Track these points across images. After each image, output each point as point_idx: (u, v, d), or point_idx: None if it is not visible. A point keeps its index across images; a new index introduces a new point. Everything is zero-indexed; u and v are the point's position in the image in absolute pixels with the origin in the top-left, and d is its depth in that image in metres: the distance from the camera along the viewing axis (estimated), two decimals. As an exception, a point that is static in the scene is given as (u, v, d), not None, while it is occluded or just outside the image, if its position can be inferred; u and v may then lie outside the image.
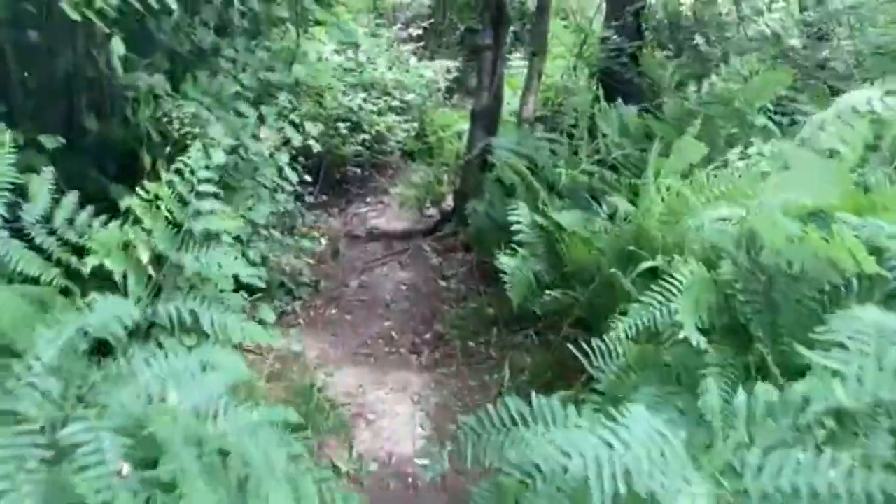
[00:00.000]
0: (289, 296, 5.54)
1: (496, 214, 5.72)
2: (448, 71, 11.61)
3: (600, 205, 4.69)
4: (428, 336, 4.94)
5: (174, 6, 2.69)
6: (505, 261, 4.22)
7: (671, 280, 2.65)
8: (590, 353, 2.87)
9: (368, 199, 8.72)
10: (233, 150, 3.48)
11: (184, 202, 3.04)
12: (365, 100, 9.21)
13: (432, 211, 7.40)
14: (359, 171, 8.63)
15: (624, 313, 2.88)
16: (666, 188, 3.61)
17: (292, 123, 4.46)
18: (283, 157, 4.07)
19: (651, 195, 3.65)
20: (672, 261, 3.05)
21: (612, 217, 4.38)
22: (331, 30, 8.09)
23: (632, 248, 3.65)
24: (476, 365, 4.38)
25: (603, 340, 2.88)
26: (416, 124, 10.04)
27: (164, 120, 2.98)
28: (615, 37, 6.26)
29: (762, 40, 5.92)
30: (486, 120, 6.67)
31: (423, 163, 10.26)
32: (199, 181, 3.04)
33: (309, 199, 8.07)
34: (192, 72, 3.62)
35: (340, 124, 8.50)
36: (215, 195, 3.14)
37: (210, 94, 3.36)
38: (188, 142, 3.11)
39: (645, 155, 5.03)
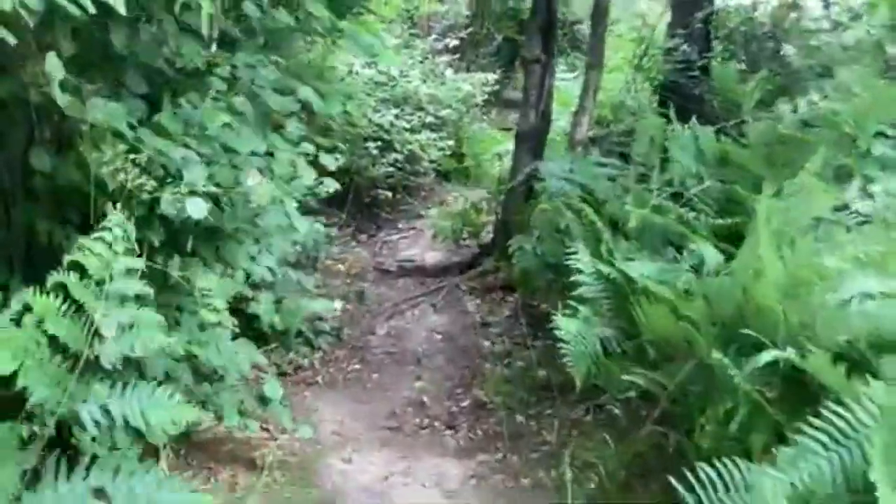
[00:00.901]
0: (307, 346, 4.75)
1: (546, 253, 4.88)
2: (485, 84, 10.80)
3: (679, 251, 3.82)
4: (466, 403, 4.10)
5: (122, 9, 1.92)
6: (564, 325, 3.35)
7: (838, 410, 1.77)
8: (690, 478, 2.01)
9: (400, 225, 7.92)
10: (216, 201, 2.70)
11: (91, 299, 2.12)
12: (397, 116, 8.45)
13: (469, 241, 6.55)
14: (390, 194, 7.84)
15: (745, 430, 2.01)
16: (787, 245, 2.72)
17: (306, 154, 3.67)
18: (290, 204, 3.26)
19: (762, 252, 2.77)
20: (806, 354, 2.18)
21: (696, 269, 3.50)
22: (347, 42, 7.36)
23: (736, 321, 2.78)
24: (527, 452, 3.53)
25: (713, 465, 2.03)
26: (451, 142, 9.24)
27: (121, 164, 2.21)
28: (684, 46, 5.37)
29: (858, 49, 4.98)
30: (533, 141, 5.83)
31: (459, 183, 9.47)
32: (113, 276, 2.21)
33: (335, 225, 7.34)
34: (180, 96, 2.86)
35: (370, 144, 7.73)
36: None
37: (193, 124, 2.59)
38: (149, 192, 2.33)
39: (730, 189, 4.15)
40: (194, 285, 2.87)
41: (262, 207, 3.01)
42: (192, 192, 2.40)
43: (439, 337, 4.91)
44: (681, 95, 5.52)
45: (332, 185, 4.12)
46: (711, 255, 3.50)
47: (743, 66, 5.59)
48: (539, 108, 5.82)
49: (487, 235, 6.40)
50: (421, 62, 9.69)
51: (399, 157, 8.09)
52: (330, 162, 3.55)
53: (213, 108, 2.68)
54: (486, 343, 4.79)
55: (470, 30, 11.90)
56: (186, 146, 2.50)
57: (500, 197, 6.46)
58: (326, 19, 3.34)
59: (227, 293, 3.04)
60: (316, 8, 3.02)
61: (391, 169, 7.91)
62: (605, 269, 3.68)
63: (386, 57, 3.92)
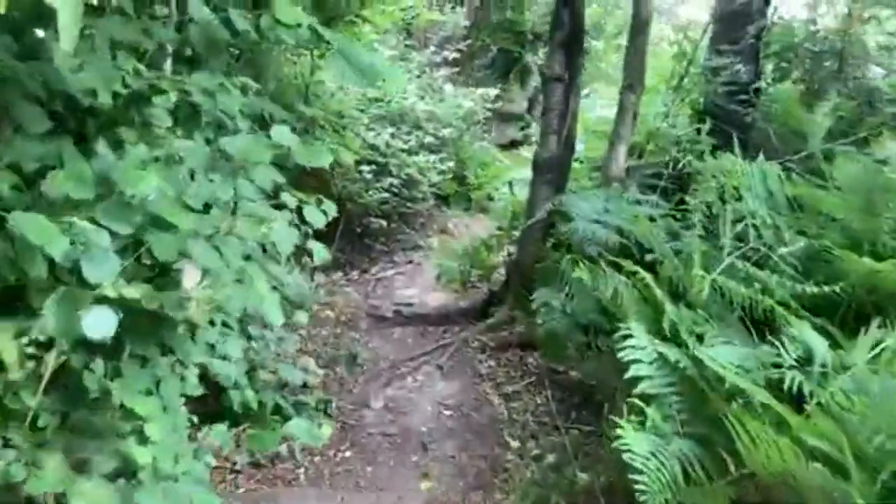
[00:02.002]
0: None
1: (577, 312, 4.00)
2: (485, 99, 9.94)
3: (761, 329, 2.95)
4: (488, 516, 3.20)
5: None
6: (632, 442, 2.45)
7: None
8: None
9: (396, 258, 7.02)
10: (128, 313, 1.77)
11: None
12: (393, 136, 7.56)
13: (478, 282, 5.65)
14: (384, 222, 6.93)
15: None
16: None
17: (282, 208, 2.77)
18: (262, 294, 2.32)
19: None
20: None
21: (801, 363, 2.62)
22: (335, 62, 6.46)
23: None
24: None
25: None
26: (451, 163, 8.35)
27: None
28: (738, 66, 4.52)
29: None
30: (554, 172, 4.95)
31: (461, 208, 8.59)
32: None
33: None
34: (101, 135, 1.96)
35: (364, 167, 6.82)
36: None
37: (111, 181, 1.69)
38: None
39: (816, 246, 3.27)
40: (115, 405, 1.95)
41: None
42: (98, 299, 1.49)
43: (448, 412, 4.00)
44: (729, 122, 4.67)
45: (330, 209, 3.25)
46: (819, 344, 2.62)
47: (801, 88, 4.74)
48: (561, 134, 4.95)
49: (498, 276, 5.50)
50: (418, 76, 8.82)
51: (395, 181, 7.20)
52: (318, 220, 2.65)
53: (142, 161, 1.76)
54: (506, 422, 3.88)
55: (469, 42, 11.04)
56: (94, 221, 1.58)
57: (513, 232, 5.57)
58: (305, 28, 2.44)
59: (170, 417, 2.11)
60: (286, 12, 2.12)
61: (386, 195, 7.01)
62: (673, 354, 2.79)
63: (393, 79, 2.96)
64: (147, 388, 2.12)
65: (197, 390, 2.46)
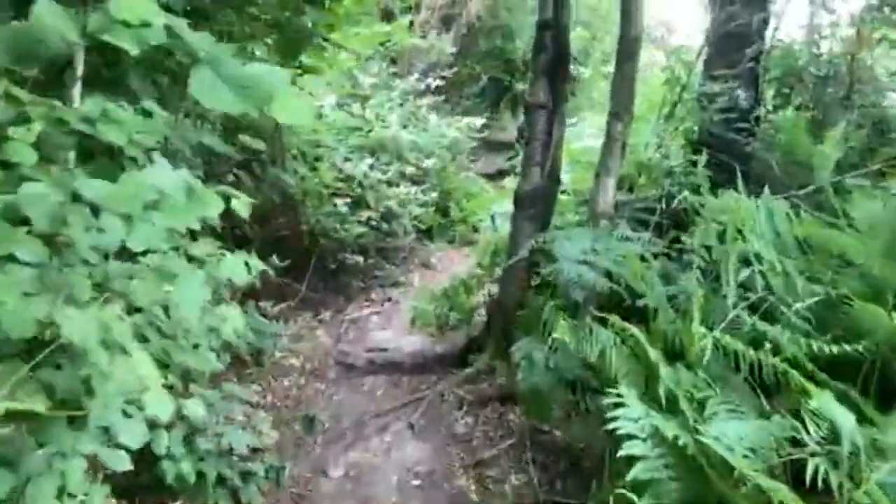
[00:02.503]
0: (232, 499, 3.34)
1: (562, 367, 3.55)
2: (472, 128, 9.57)
3: (769, 394, 2.50)
4: None
5: None
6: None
7: None
8: None
9: (373, 295, 6.56)
10: None
11: None
12: (372, 166, 7.16)
13: (456, 325, 5.18)
14: (361, 259, 6.48)
15: None
16: None
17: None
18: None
19: None
20: None
21: (824, 442, 2.17)
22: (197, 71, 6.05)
23: None
24: None
25: None
26: (435, 194, 7.94)
27: None
28: (736, 91, 4.12)
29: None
30: (537, 207, 4.53)
31: (444, 241, 8.16)
32: None
33: (292, 299, 5.97)
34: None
35: (339, 201, 6.39)
36: None
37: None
38: None
39: (832, 296, 2.83)
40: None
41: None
42: None
43: (417, 483, 3.51)
44: (728, 152, 4.26)
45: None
46: (845, 419, 2.16)
47: (805, 116, 4.34)
48: (545, 165, 4.54)
49: (479, 318, 5.04)
50: (401, 104, 8.44)
51: (373, 214, 6.77)
52: (239, 275, 2.21)
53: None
54: (482, 493, 3.39)
55: (455, 69, 10.71)
56: None
57: (496, 269, 5.13)
58: (157, 28, 1.93)
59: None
60: (128, 7, 1.68)
61: (363, 229, 6.58)
62: (671, 429, 2.33)
63: (288, 105, 2.40)
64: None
65: (122, 465, 1.99)
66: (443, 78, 9.40)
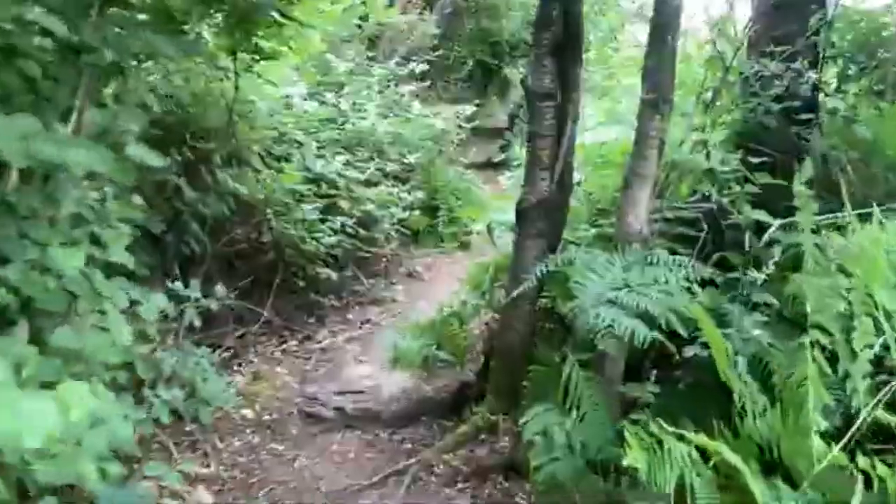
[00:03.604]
0: None
1: (590, 446, 2.62)
2: (460, 116, 8.56)
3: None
4: None
5: None
6: None
7: None
8: None
9: (350, 316, 5.61)
10: None
11: None
12: (347, 163, 6.16)
13: (448, 363, 4.21)
14: (334, 274, 5.49)
15: None
16: None
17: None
18: None
19: None
20: None
21: None
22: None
23: None
24: None
25: None
26: (421, 194, 6.96)
27: None
28: (793, 73, 3.18)
29: None
30: (545, 222, 3.57)
31: (432, 246, 7.19)
32: None
33: (252, 324, 5.00)
34: None
35: (308, 206, 5.39)
36: None
37: None
38: None
39: None
40: None
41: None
42: None
43: None
44: (783, 148, 3.33)
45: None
46: None
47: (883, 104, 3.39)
48: (555, 170, 3.57)
49: (474, 354, 4.09)
50: (380, 92, 7.42)
51: (349, 220, 5.78)
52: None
53: None
54: None
55: (440, 52, 9.67)
56: None
57: (494, 294, 4.17)
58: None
59: None
60: None
61: (337, 238, 5.59)
62: None
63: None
64: None
65: None
66: (427, 62, 8.36)
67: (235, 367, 4.55)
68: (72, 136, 2.21)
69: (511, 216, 4.31)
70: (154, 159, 2.51)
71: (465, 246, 7.39)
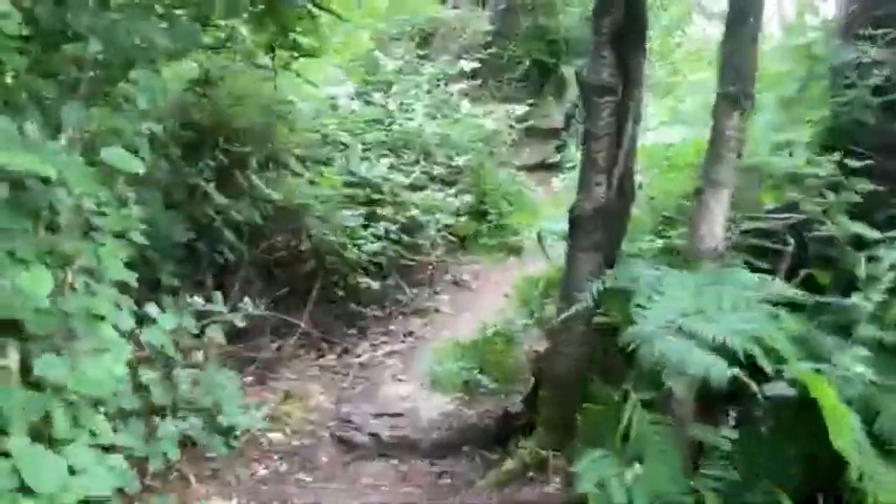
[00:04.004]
0: None
1: (654, 492, 2.20)
2: (511, 116, 8.14)
3: None
4: None
5: None
6: None
7: None
8: None
9: (392, 326, 5.28)
10: None
11: None
12: (392, 166, 5.84)
13: (491, 387, 3.81)
14: (376, 283, 5.18)
15: None
16: None
17: None
18: None
19: None
20: None
21: None
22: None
23: None
24: None
25: None
26: (469, 197, 6.58)
27: None
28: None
29: None
30: (601, 233, 3.15)
31: (481, 253, 6.81)
32: None
33: (287, 338, 4.72)
34: None
35: (348, 212, 5.10)
36: None
37: None
38: None
39: None
40: None
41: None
42: None
43: None
44: (886, 151, 2.81)
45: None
46: None
47: None
48: (613, 174, 3.15)
49: (521, 378, 3.69)
50: (429, 92, 7.08)
51: (392, 226, 5.47)
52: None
53: None
54: None
55: (492, 50, 9.27)
56: None
57: (543, 311, 3.76)
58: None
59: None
60: None
61: (381, 244, 5.28)
62: None
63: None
64: None
65: None
66: (479, 60, 7.95)
67: (268, 383, 4.28)
68: (41, 141, 1.90)
69: (564, 224, 3.91)
70: (133, 164, 2.19)
71: (515, 252, 6.98)
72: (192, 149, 4.50)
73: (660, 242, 3.38)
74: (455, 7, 8.87)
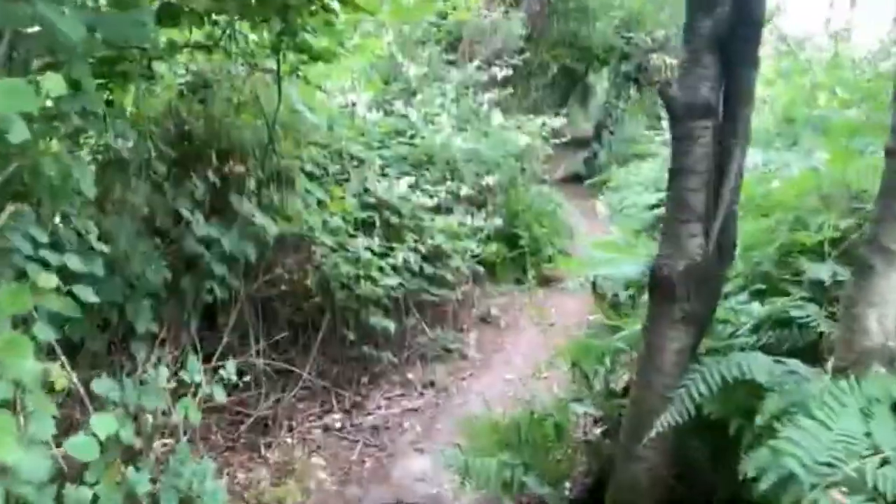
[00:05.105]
0: None
1: None
2: (545, 128, 7.32)
3: None
4: None
5: None
6: None
7: None
8: None
9: (410, 376, 4.51)
10: None
11: None
12: (414, 186, 5.07)
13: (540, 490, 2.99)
14: (392, 325, 4.39)
15: None
16: None
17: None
18: None
19: None
20: None
21: None
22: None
23: None
24: None
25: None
26: (499, 220, 5.78)
27: None
28: None
29: None
30: (697, 300, 2.33)
31: (511, 282, 6.02)
32: None
33: (287, 392, 3.95)
34: None
35: (362, 239, 4.33)
36: None
37: None
38: None
39: None
40: None
41: None
42: None
43: None
44: None
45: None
46: None
47: None
48: (713, 224, 2.34)
49: (575, 475, 2.87)
50: (456, 101, 6.30)
51: (414, 255, 4.69)
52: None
53: None
54: None
55: (526, 55, 8.48)
56: None
57: (603, 391, 2.94)
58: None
59: None
60: None
61: (397, 279, 4.50)
62: None
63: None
64: None
65: None
66: (512, 67, 7.17)
67: (261, 450, 3.52)
68: None
69: (627, 270, 3.11)
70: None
71: (549, 282, 6.20)
72: (180, 166, 3.77)
73: (764, 311, 2.56)
74: (486, 9, 8.08)
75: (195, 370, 2.64)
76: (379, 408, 4.07)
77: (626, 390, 2.67)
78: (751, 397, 2.04)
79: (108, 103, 3.57)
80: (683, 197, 2.39)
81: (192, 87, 4.01)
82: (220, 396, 2.66)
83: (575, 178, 11.80)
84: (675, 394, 2.15)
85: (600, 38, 11.60)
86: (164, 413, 2.58)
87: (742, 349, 2.36)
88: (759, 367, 2.06)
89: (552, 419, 2.70)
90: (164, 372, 2.46)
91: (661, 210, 4.77)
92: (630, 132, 11.18)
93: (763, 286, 2.75)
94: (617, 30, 11.94)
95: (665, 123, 6.34)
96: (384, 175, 5.09)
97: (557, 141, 7.36)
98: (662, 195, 4.97)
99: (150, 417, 2.47)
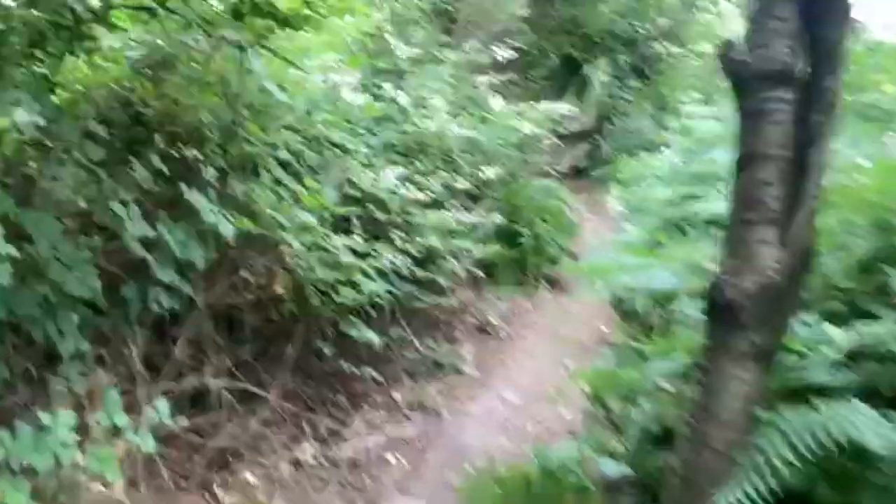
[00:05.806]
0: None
1: None
2: (549, 118, 6.70)
3: None
4: None
5: None
6: None
7: None
8: None
9: (396, 396, 3.93)
10: None
11: None
12: (405, 179, 4.47)
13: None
14: (376, 338, 3.79)
15: None
16: None
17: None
18: None
19: None
20: None
21: None
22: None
23: None
24: None
25: None
26: (498, 217, 5.19)
27: None
28: None
29: None
30: (769, 328, 1.75)
31: (510, 284, 5.43)
32: None
33: (252, 416, 3.35)
34: None
35: (339, 241, 3.73)
36: None
37: None
38: None
39: None
40: None
41: None
42: None
43: None
44: None
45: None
46: None
47: None
48: (793, 228, 1.75)
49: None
50: (452, 86, 5.69)
51: (401, 258, 4.08)
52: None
53: None
54: None
55: (527, 36, 7.86)
56: None
57: (629, 445, 2.36)
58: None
59: None
60: None
61: (384, 283, 3.90)
62: None
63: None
64: None
65: None
66: (516, 49, 6.52)
67: (216, 490, 2.93)
68: None
69: (660, 280, 2.55)
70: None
71: (553, 284, 5.63)
72: (124, 153, 3.17)
73: (843, 336, 1.98)
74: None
75: (115, 411, 2.04)
76: (359, 435, 3.48)
77: (665, 439, 2.08)
78: (853, 465, 1.48)
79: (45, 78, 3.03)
80: (752, 191, 1.81)
81: (145, 61, 3.41)
82: (149, 446, 2.07)
83: (575, 171, 11.22)
84: (745, 457, 1.58)
85: (602, 24, 11.03)
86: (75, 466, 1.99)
87: (826, 393, 1.79)
88: (867, 424, 1.50)
89: (572, 478, 2.11)
90: (63, 417, 1.86)
91: (683, 206, 4.20)
92: (635, 123, 10.58)
93: (838, 305, 2.17)
94: (620, 16, 11.39)
95: (682, 107, 5.77)
96: (369, 165, 4.49)
97: (564, 131, 6.76)
98: (683, 190, 4.41)
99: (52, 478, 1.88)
